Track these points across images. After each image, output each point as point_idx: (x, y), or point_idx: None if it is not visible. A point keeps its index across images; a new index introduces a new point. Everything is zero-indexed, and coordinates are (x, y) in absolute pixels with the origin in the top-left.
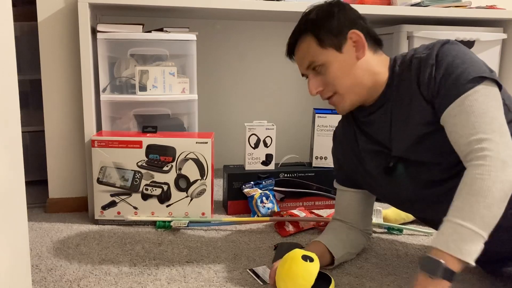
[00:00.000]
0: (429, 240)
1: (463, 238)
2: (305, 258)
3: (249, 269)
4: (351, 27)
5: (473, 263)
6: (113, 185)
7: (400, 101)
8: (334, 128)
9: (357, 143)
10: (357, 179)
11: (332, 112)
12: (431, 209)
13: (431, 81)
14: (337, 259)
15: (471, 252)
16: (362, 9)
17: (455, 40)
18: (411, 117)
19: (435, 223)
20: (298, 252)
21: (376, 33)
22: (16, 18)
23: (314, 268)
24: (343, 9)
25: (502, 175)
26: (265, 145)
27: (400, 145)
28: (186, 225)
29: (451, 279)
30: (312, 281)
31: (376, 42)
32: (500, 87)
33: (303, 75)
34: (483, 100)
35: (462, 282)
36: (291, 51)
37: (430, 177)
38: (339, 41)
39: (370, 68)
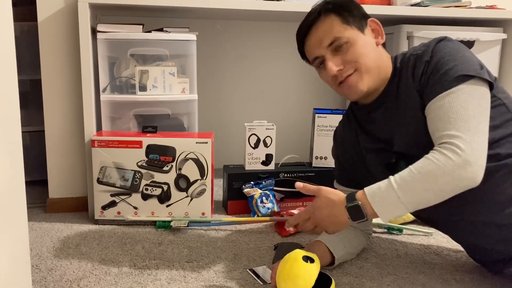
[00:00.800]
0: (429, 240)
1: (390, 200)
2: (306, 258)
3: (249, 269)
4: (368, 16)
5: (384, 221)
6: (113, 185)
7: (399, 98)
8: (334, 128)
9: (358, 142)
10: (358, 179)
11: (332, 112)
12: (431, 206)
13: (422, 76)
14: (337, 258)
15: (387, 213)
16: None
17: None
18: (409, 113)
19: (435, 221)
20: (299, 253)
21: None
22: (16, 18)
23: (314, 269)
24: (357, 3)
25: (460, 172)
26: (265, 145)
27: (401, 141)
28: (186, 225)
29: (355, 218)
30: (312, 282)
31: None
32: (491, 85)
33: (315, 59)
34: (465, 99)
35: (462, 282)
36: (306, 32)
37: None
38: (361, 24)
39: (383, 58)
